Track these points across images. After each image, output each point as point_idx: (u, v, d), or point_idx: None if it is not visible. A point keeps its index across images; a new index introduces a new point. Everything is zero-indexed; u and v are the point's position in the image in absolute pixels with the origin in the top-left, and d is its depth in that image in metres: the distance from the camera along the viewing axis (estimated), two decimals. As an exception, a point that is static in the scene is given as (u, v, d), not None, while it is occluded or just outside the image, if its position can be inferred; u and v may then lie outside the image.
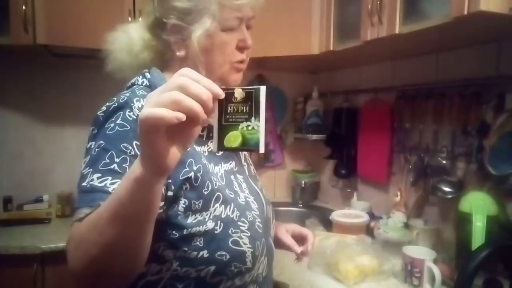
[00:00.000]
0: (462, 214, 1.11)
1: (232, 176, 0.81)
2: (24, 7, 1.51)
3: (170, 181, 0.69)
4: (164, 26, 0.77)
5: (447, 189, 1.35)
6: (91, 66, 2.00)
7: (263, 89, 0.54)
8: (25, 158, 1.90)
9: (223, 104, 0.54)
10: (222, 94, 0.52)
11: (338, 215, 1.57)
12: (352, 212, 1.64)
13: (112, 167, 0.64)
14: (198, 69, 0.73)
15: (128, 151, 0.66)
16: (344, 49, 1.50)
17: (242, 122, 0.54)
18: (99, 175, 0.64)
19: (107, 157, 0.65)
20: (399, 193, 1.58)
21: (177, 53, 0.77)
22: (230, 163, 0.83)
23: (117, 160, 0.65)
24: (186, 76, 0.49)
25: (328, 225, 1.55)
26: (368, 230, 1.53)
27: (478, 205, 1.07)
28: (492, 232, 1.03)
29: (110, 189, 0.62)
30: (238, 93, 0.54)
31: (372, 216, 1.63)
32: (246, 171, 0.88)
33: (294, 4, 1.67)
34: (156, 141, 0.48)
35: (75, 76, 1.92)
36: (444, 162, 1.39)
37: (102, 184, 0.63)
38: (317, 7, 1.63)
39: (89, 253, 0.55)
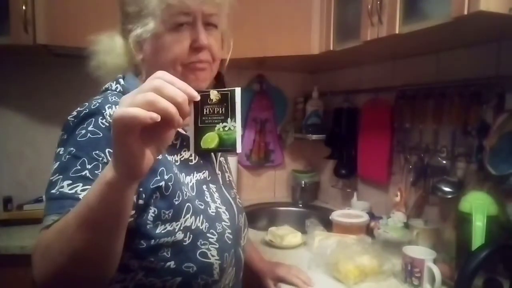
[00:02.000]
0: (462, 214, 1.11)
1: (204, 186, 0.80)
2: (24, 7, 1.51)
3: (141, 189, 0.68)
4: (125, 33, 0.78)
5: (447, 189, 1.35)
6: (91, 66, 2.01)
7: (238, 90, 0.55)
8: (25, 158, 1.90)
9: (199, 106, 0.55)
10: (197, 96, 0.52)
11: (338, 215, 1.57)
12: (352, 212, 1.64)
13: (83, 173, 0.63)
14: (153, 70, 0.71)
15: (100, 158, 0.65)
16: (344, 49, 1.50)
17: (218, 123, 0.55)
18: (70, 181, 0.62)
19: (78, 164, 0.64)
20: (399, 193, 1.58)
21: (136, 57, 0.77)
22: (204, 173, 0.81)
23: (88, 166, 0.63)
24: (161, 79, 0.49)
25: (328, 225, 1.55)
26: (368, 230, 1.53)
27: (478, 205, 1.07)
28: (492, 232, 1.03)
29: (80, 196, 0.60)
30: (214, 95, 0.55)
31: (372, 216, 1.63)
32: (220, 179, 0.87)
33: (294, 4, 1.67)
34: (130, 142, 0.47)
35: (75, 76, 1.91)
36: (444, 162, 1.38)
37: (73, 191, 0.61)
38: (317, 7, 1.63)
39: (56, 262, 0.53)
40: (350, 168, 1.94)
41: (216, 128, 0.55)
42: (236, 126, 0.54)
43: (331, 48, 1.57)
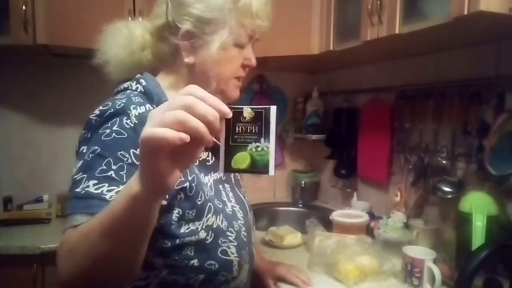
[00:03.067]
0: (462, 214, 1.11)
1: (220, 186, 0.82)
2: (24, 7, 1.51)
3: None
4: (175, 30, 0.76)
5: (447, 189, 1.35)
6: (91, 66, 2.01)
7: (273, 108, 0.51)
8: (25, 158, 1.90)
9: (231, 123, 0.51)
10: (229, 114, 0.50)
11: (338, 215, 1.57)
12: (352, 212, 1.64)
13: (109, 174, 0.63)
14: (206, 78, 0.75)
15: (125, 159, 0.64)
16: (344, 49, 1.50)
17: (251, 142, 0.51)
18: (95, 181, 0.62)
19: (103, 163, 0.63)
20: (399, 193, 1.58)
21: (185, 59, 0.77)
22: (219, 173, 0.83)
23: (114, 167, 0.63)
24: (192, 94, 0.46)
25: (328, 225, 1.55)
26: (368, 230, 1.53)
27: (478, 205, 1.07)
28: (492, 232, 1.03)
29: (107, 196, 0.61)
30: (247, 113, 0.52)
31: (372, 216, 1.63)
32: (233, 179, 0.89)
33: (294, 4, 1.67)
34: (158, 162, 0.46)
35: (75, 76, 1.92)
36: (444, 162, 1.38)
37: (98, 191, 0.61)
38: (317, 7, 1.63)
39: (80, 265, 0.54)
40: (350, 168, 1.94)
41: (248, 148, 0.51)
42: (269, 147, 0.51)
43: (331, 48, 1.57)
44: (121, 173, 0.63)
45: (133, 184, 0.49)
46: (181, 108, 0.45)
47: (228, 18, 0.74)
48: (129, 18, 1.62)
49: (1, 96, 1.85)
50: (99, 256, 0.53)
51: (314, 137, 2.05)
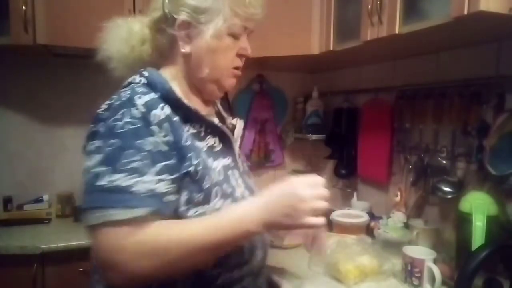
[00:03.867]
0: (462, 214, 1.11)
1: (229, 172, 0.83)
2: (24, 7, 1.51)
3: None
4: (171, 22, 0.78)
5: (447, 189, 1.35)
6: (91, 66, 2.00)
7: None
8: (25, 158, 1.90)
9: None
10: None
11: (338, 215, 1.57)
12: (352, 212, 1.64)
13: (133, 165, 0.65)
14: (200, 68, 0.77)
15: (145, 147, 0.67)
16: (344, 49, 1.50)
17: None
18: (122, 174, 0.64)
19: (125, 155, 0.65)
20: (399, 193, 1.58)
21: (182, 49, 0.79)
22: (228, 158, 0.84)
23: (136, 158, 0.65)
24: (321, 186, 0.69)
25: (328, 225, 1.55)
26: (368, 230, 1.53)
27: (478, 205, 1.07)
28: (492, 232, 1.03)
29: (134, 189, 0.63)
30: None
31: (372, 216, 1.63)
32: (241, 167, 0.90)
33: (294, 4, 1.67)
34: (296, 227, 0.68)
35: (75, 76, 1.92)
36: (444, 162, 1.38)
37: (127, 184, 0.63)
38: (317, 7, 1.63)
39: (164, 265, 0.63)
40: (350, 168, 1.94)
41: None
42: None
43: (331, 48, 1.57)
44: (144, 162, 0.66)
45: (253, 221, 0.65)
46: (321, 199, 0.68)
47: (222, 6, 0.76)
48: (129, 18, 1.62)
49: (1, 96, 1.85)
50: (190, 263, 0.64)
51: (314, 137, 2.05)
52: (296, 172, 2.26)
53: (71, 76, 1.92)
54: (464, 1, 0.94)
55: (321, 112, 2.08)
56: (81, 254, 1.49)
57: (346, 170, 1.97)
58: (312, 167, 2.33)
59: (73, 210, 1.84)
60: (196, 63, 0.79)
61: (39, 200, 1.84)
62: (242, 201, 0.80)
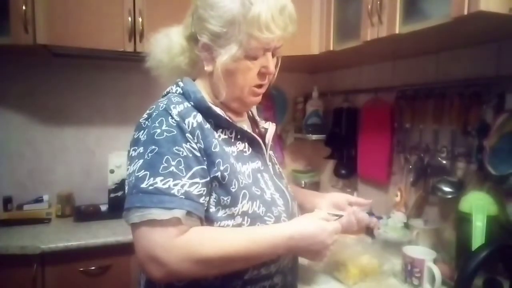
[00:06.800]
0: (462, 214, 1.11)
1: (258, 175, 0.86)
2: (24, 7, 1.51)
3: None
4: (197, 41, 0.83)
5: (447, 189, 1.35)
6: (91, 66, 2.01)
7: None
8: (25, 158, 1.90)
9: None
10: None
11: (338, 215, 1.57)
12: (352, 212, 1.64)
13: (170, 169, 0.72)
14: (220, 87, 0.82)
15: (181, 153, 0.74)
16: (344, 49, 1.50)
17: None
18: (161, 178, 0.71)
19: (163, 160, 0.72)
20: (399, 193, 1.58)
21: (205, 68, 0.83)
22: (257, 163, 0.88)
23: (173, 162, 0.72)
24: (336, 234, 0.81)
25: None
26: (368, 230, 1.53)
27: (478, 205, 1.07)
28: (492, 232, 1.03)
29: (173, 191, 0.70)
30: None
31: (372, 216, 1.63)
32: (271, 170, 0.93)
33: (294, 4, 1.66)
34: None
35: (75, 76, 1.92)
36: (444, 162, 1.38)
37: (166, 186, 0.70)
38: (317, 7, 1.63)
39: (204, 269, 0.71)
40: (350, 168, 1.94)
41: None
42: None
43: (331, 48, 1.57)
44: (180, 167, 0.73)
45: (287, 252, 0.79)
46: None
47: (237, 32, 0.77)
48: (129, 18, 1.62)
49: (1, 96, 1.85)
50: (229, 269, 0.74)
51: (314, 137, 2.05)
52: (296, 172, 2.26)
53: (71, 76, 1.92)
54: (464, 1, 0.94)
55: (321, 112, 2.08)
56: (81, 254, 1.49)
57: (346, 170, 1.97)
58: (312, 167, 2.33)
59: (73, 210, 1.84)
60: (216, 83, 0.83)
61: (39, 200, 1.84)
62: (272, 202, 0.85)
